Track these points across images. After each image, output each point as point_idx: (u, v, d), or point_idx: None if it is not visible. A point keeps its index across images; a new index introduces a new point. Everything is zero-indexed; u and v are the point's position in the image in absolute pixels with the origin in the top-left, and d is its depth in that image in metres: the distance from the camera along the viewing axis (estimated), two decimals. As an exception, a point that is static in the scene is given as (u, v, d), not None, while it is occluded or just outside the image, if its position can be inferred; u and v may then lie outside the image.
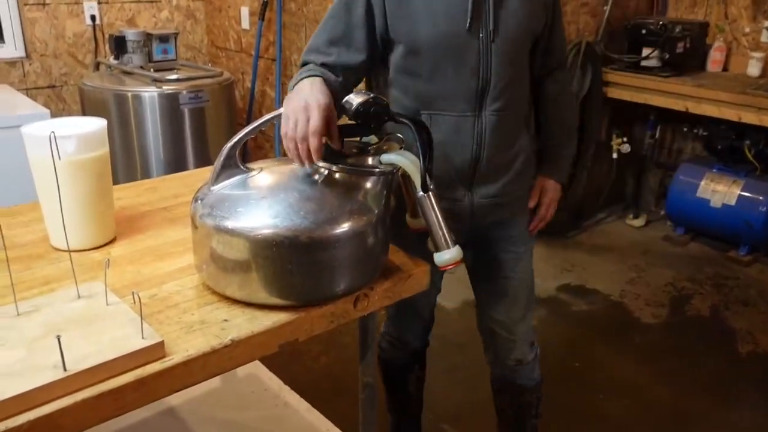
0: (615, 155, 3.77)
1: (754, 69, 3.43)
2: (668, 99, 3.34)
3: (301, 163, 1.12)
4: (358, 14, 1.34)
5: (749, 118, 3.05)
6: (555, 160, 1.63)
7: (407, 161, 1.15)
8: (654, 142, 3.84)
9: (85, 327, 0.95)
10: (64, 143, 1.17)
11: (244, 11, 3.63)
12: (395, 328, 1.77)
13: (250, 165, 1.17)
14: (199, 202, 1.11)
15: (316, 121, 1.10)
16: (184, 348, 0.94)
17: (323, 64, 1.33)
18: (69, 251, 1.15)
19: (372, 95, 1.15)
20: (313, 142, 1.09)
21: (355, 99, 1.14)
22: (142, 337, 0.92)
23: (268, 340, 1.02)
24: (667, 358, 2.56)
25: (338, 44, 1.36)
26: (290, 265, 1.05)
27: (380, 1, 1.33)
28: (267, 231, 1.03)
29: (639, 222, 3.83)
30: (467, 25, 1.30)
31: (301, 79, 1.23)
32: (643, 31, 3.44)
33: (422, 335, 1.79)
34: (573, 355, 2.56)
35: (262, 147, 3.81)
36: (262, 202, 1.07)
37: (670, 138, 3.94)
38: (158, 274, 1.18)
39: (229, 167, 1.14)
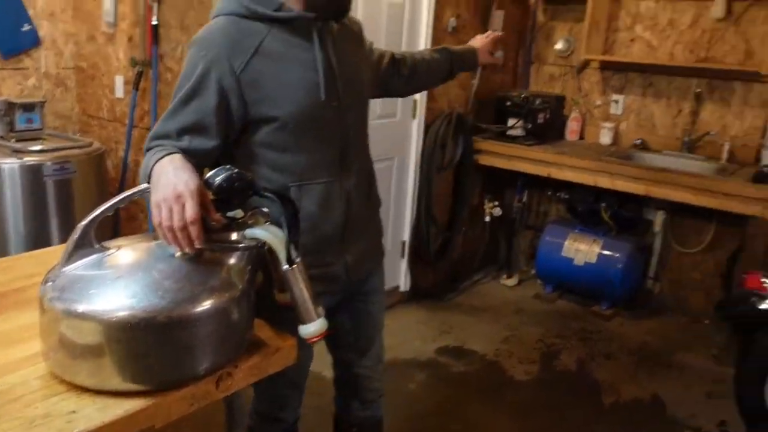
0: (488, 218, 3.97)
1: (606, 138, 3.77)
2: (533, 165, 3.59)
3: (183, 250, 1.10)
4: (210, 103, 1.30)
5: (604, 182, 3.34)
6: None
7: (272, 236, 1.17)
8: (522, 205, 4.09)
9: None
10: None
11: (119, 80, 3.55)
12: (264, 404, 1.72)
13: (107, 243, 1.14)
14: (49, 284, 1.06)
15: (191, 208, 1.08)
16: (23, 446, 0.88)
17: (182, 148, 1.29)
18: None
19: (235, 170, 1.16)
20: (193, 231, 1.09)
21: (217, 174, 1.15)
22: (-25, 437, 0.85)
23: (120, 430, 0.98)
24: (538, 414, 2.67)
25: (190, 132, 1.30)
26: (147, 347, 1.02)
27: (236, 89, 1.31)
28: (122, 313, 1.00)
29: (512, 282, 4.03)
30: (322, 97, 1.37)
31: (159, 159, 1.19)
32: (508, 103, 3.71)
33: (294, 408, 1.76)
34: (452, 417, 2.61)
35: (136, 218, 3.68)
36: (118, 282, 1.04)
37: (537, 201, 4.21)
38: (1, 363, 1.10)
39: (84, 246, 1.10)
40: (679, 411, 2.72)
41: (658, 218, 3.60)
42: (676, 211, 3.57)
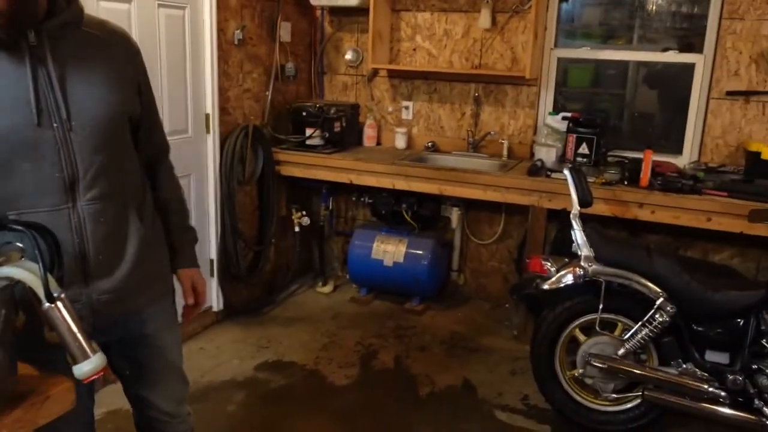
0: (297, 228, 3.97)
1: (400, 142, 3.96)
2: (334, 173, 3.66)
3: None
4: None
5: (401, 185, 3.50)
6: (184, 249, 1.65)
7: (25, 272, 1.05)
8: (330, 212, 4.15)
9: None
10: None
11: None
12: None
13: None
14: None
15: None
16: None
17: None
18: None
19: None
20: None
21: None
22: None
23: None
24: (360, 416, 2.72)
25: None
26: None
27: None
28: None
29: (328, 288, 4.07)
30: (35, 117, 1.23)
31: None
32: (304, 113, 3.74)
33: None
34: (274, 433, 2.57)
35: None
36: None
37: (344, 207, 4.31)
38: None
39: None
40: (488, 391, 2.93)
41: (455, 215, 3.85)
42: (470, 206, 3.85)
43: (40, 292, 1.06)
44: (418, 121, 4.02)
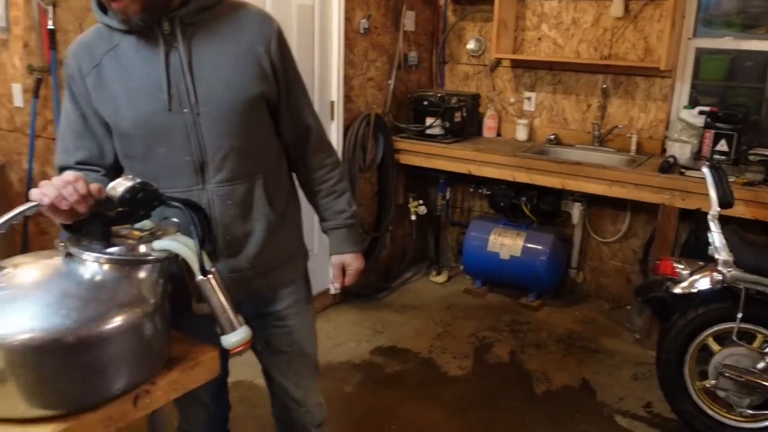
0: (413, 217, 3.99)
1: (521, 134, 3.87)
2: (453, 163, 3.64)
3: (79, 209, 1.07)
4: (73, 112, 1.36)
5: (521, 177, 3.42)
6: (332, 234, 1.62)
7: (182, 246, 1.12)
8: (446, 202, 4.14)
9: None
10: None
11: (16, 88, 3.35)
12: (188, 422, 1.66)
13: (3, 262, 1.06)
14: (-61, 310, 0.98)
15: (66, 175, 1.08)
16: None
17: (78, 163, 1.33)
18: None
19: (138, 181, 1.11)
20: (79, 186, 1.07)
21: (120, 185, 1.10)
22: None
23: (28, 460, 0.91)
24: (474, 407, 2.70)
25: (83, 137, 1.37)
26: (54, 370, 0.96)
27: (84, 94, 1.34)
28: (22, 336, 0.94)
29: (442, 278, 4.07)
30: (167, 103, 1.30)
31: None
32: (425, 103, 3.75)
33: (220, 425, 1.69)
34: (389, 417, 2.60)
35: (47, 232, 3.49)
36: (16, 304, 0.98)
37: (460, 198, 4.28)
38: None
39: (-24, 267, 1.03)
40: (608, 395, 2.81)
41: (576, 210, 3.72)
42: (593, 202, 3.70)
43: (195, 266, 1.12)
44: (540, 112, 3.92)
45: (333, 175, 1.58)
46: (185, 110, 1.31)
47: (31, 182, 3.33)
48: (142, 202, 1.10)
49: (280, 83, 1.43)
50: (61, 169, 1.33)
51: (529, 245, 3.63)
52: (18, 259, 1.10)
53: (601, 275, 3.86)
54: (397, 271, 4.07)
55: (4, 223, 1.05)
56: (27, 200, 2.99)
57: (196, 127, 1.32)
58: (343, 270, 1.64)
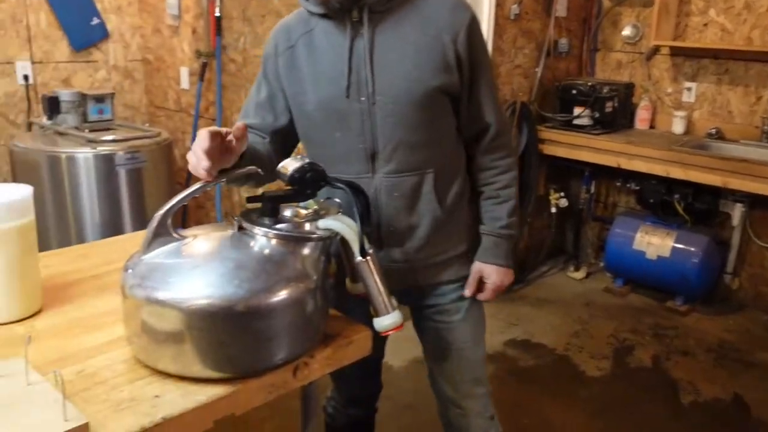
0: (554, 209, 3.87)
1: (678, 126, 3.62)
2: (601, 155, 3.48)
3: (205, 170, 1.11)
4: (264, 85, 1.44)
5: (676, 173, 3.20)
6: (483, 239, 1.52)
7: (344, 226, 1.15)
8: (590, 196, 3.97)
9: (3, 410, 0.89)
10: (-15, 213, 1.12)
11: (184, 72, 3.63)
12: (340, 395, 1.73)
13: (184, 232, 1.15)
14: (129, 271, 1.08)
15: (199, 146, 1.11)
16: (111, 429, 0.90)
17: (250, 127, 1.38)
18: (-12, 326, 1.09)
19: (307, 161, 1.15)
20: (203, 162, 1.10)
21: (290, 165, 1.14)
22: (65, 419, 0.87)
23: (202, 416, 0.98)
24: (613, 411, 2.58)
25: (264, 108, 1.45)
26: (225, 336, 1.02)
27: (275, 71, 1.41)
28: (200, 301, 1.00)
29: (580, 274, 3.92)
30: (345, 90, 1.32)
31: None
32: (574, 92, 3.60)
33: (367, 402, 1.75)
34: (523, 411, 2.56)
35: (203, 206, 3.76)
36: (195, 272, 1.05)
37: (605, 192, 4.09)
38: (85, 347, 1.12)
39: (162, 235, 1.11)
40: (765, 413, 2.58)
41: (737, 211, 3.43)
42: (756, 203, 3.39)
43: (355, 246, 1.15)
44: (701, 104, 3.63)
45: (501, 178, 1.48)
46: (362, 98, 1.32)
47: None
48: (310, 181, 1.15)
49: (464, 76, 1.36)
50: (241, 112, 1.48)
51: (680, 246, 3.40)
52: (195, 230, 1.18)
53: (761, 283, 3.54)
54: (533, 264, 3.98)
55: (188, 195, 1.13)
56: (189, 176, 3.23)
57: (371, 116, 1.33)
58: (481, 280, 1.51)
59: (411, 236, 1.42)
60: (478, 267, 1.51)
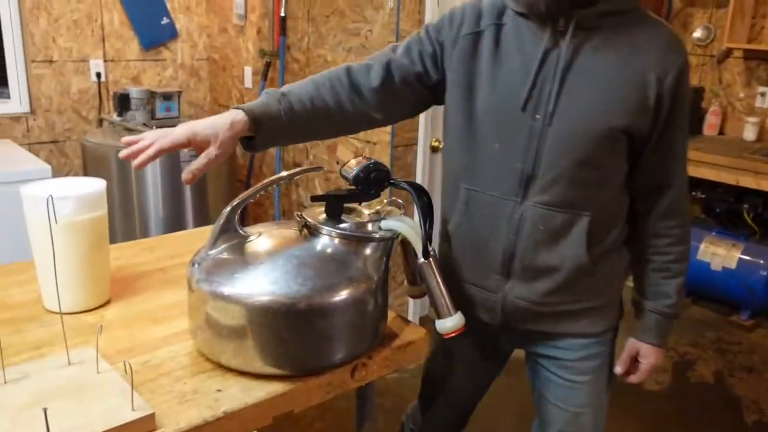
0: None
1: (750, 133, 3.48)
2: (666, 162, 3.36)
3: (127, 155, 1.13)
4: (426, 38, 1.28)
5: (747, 182, 3.08)
6: (642, 316, 1.35)
7: (407, 227, 1.15)
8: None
9: (74, 396, 0.92)
10: (62, 204, 1.16)
11: (248, 71, 3.70)
12: (421, 417, 1.61)
13: (249, 229, 1.16)
14: (196, 266, 1.10)
15: (169, 140, 1.13)
16: (175, 420, 0.91)
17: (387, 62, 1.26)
18: (61, 314, 1.13)
19: (372, 161, 1.15)
20: (150, 151, 1.12)
21: (356, 164, 1.15)
22: (132, 409, 0.89)
23: (262, 412, 0.99)
24: (672, 426, 2.50)
25: (408, 50, 1.28)
26: (287, 333, 1.03)
27: (444, 43, 1.25)
28: (264, 298, 1.01)
29: (639, 284, 3.80)
30: (522, 102, 1.17)
31: (263, 100, 1.21)
32: (640, 96, 3.49)
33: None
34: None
35: (262, 204, 3.82)
36: (260, 268, 1.06)
37: (668, 200, 3.95)
38: (152, 339, 1.15)
39: (228, 231, 1.13)
40: (833, 436, 2.46)
41: (811, 222, 3.27)
42: (833, 215, 3.23)
43: (418, 248, 1.15)
44: (776, 110, 3.48)
45: (674, 250, 1.29)
46: (537, 116, 1.17)
47: (253, 158, 3.66)
48: (374, 181, 1.14)
49: (657, 123, 1.18)
50: (389, 49, 1.30)
51: (748, 258, 3.26)
52: (259, 227, 1.19)
53: (836, 300, 3.36)
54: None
55: (254, 192, 1.14)
56: (249, 173, 3.27)
57: (540, 137, 1.17)
58: (635, 359, 1.37)
59: (545, 276, 1.26)
60: (634, 345, 1.36)
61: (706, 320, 3.41)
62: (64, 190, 1.20)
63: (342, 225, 1.14)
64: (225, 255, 1.10)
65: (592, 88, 1.15)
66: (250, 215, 3.82)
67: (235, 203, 1.14)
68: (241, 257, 1.10)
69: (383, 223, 1.15)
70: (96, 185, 1.25)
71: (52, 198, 1.07)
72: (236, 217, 1.14)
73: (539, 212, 1.21)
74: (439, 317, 1.16)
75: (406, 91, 1.29)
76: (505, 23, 1.22)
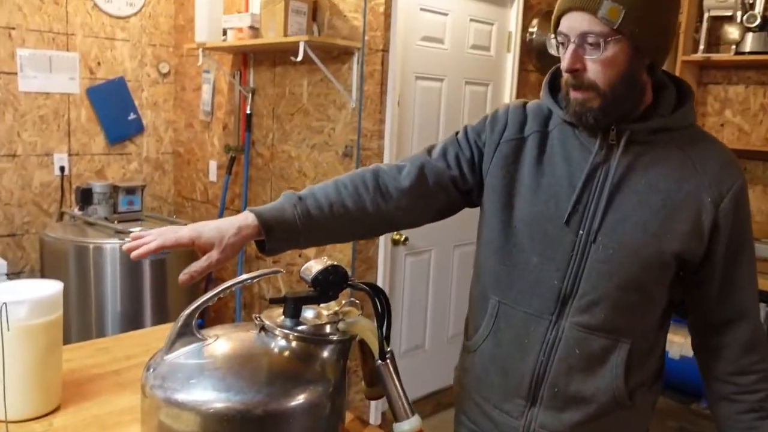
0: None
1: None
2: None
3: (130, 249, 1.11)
4: (463, 141, 1.24)
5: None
6: None
7: (365, 329, 1.15)
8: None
9: None
10: (16, 309, 1.14)
11: (212, 164, 3.75)
12: None
13: (206, 332, 1.16)
14: (151, 371, 1.08)
15: (163, 237, 1.11)
16: None
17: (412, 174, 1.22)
18: (6, 422, 1.09)
19: (331, 264, 1.17)
20: (152, 245, 1.10)
21: (314, 267, 1.16)
22: None
23: None
24: None
25: (443, 152, 1.25)
26: (242, 439, 1.00)
27: (485, 148, 1.21)
28: (219, 405, 1.00)
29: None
30: (566, 215, 1.11)
31: (289, 201, 1.18)
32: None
33: None
34: None
35: (222, 297, 3.76)
36: (215, 374, 1.05)
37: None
38: (100, 449, 1.11)
39: (185, 335, 1.12)
40: None
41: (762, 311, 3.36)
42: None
43: (375, 349, 1.15)
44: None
45: (765, 387, 1.16)
46: (581, 231, 1.10)
47: (215, 247, 3.66)
48: (332, 284, 1.16)
49: (715, 248, 1.11)
50: (424, 151, 1.26)
51: (705, 346, 3.31)
52: (218, 330, 1.19)
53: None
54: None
55: (213, 296, 1.14)
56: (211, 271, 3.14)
57: (583, 254, 1.10)
58: None
59: (576, 407, 1.15)
60: None
61: (667, 409, 3.41)
62: (19, 293, 1.19)
63: (300, 327, 1.14)
64: (181, 360, 1.09)
65: (642, 209, 1.08)
66: (210, 308, 3.76)
67: (193, 307, 1.13)
68: (197, 362, 1.08)
69: (341, 325, 1.16)
70: (52, 288, 1.24)
71: (6, 306, 1.05)
72: (194, 321, 1.14)
73: (577, 335, 1.12)
74: (396, 420, 1.15)
75: (440, 195, 1.24)
76: (551, 130, 1.17)
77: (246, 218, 1.14)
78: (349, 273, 1.20)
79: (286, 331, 1.12)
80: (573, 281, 1.11)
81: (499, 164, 1.18)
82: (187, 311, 1.12)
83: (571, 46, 1.05)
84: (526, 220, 1.15)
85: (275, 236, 1.16)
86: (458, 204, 1.28)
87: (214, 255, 1.13)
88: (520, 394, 1.18)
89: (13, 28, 3.35)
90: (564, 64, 1.08)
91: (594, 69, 1.05)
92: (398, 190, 1.21)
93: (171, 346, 1.11)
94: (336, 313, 1.20)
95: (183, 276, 1.13)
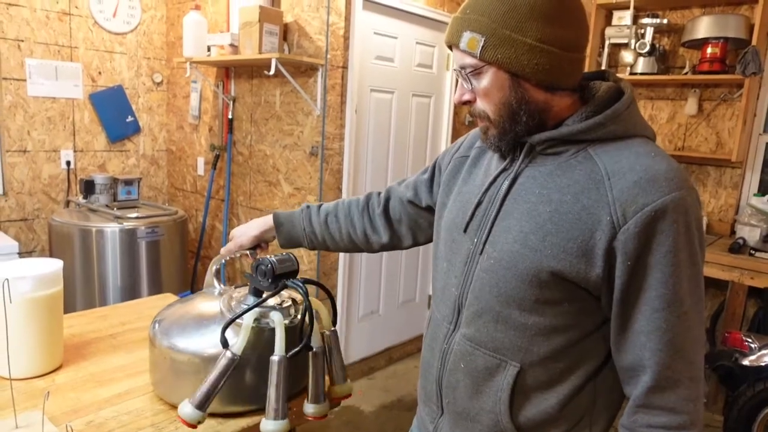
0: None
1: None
2: None
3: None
4: (437, 174, 1.13)
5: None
6: None
7: (276, 322, 1.03)
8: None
9: (19, 458, 0.86)
10: (21, 284, 1.11)
11: (200, 161, 3.69)
12: None
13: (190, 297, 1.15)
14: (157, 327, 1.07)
15: (229, 245, 1.24)
16: (111, 474, 0.87)
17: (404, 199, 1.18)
18: (11, 380, 1.06)
19: (276, 259, 1.07)
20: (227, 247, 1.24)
21: (265, 261, 1.06)
22: (72, 467, 0.84)
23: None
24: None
25: (413, 184, 1.17)
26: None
27: (442, 167, 1.10)
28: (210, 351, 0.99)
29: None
30: (466, 222, 0.93)
31: (301, 213, 1.25)
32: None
33: None
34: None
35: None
36: (201, 330, 1.04)
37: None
38: (97, 400, 1.10)
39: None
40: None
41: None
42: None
43: (277, 344, 0.99)
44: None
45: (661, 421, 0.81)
46: (475, 239, 0.91)
47: (203, 233, 3.60)
48: (280, 275, 1.05)
49: (611, 276, 0.80)
50: (396, 183, 1.22)
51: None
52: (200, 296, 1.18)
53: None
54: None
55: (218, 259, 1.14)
56: (199, 247, 3.20)
57: (473, 262, 0.91)
58: None
59: (464, 424, 0.94)
60: None
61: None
62: (25, 270, 1.16)
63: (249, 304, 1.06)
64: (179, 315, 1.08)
65: (529, 220, 0.85)
66: (198, 282, 3.71)
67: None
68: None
69: (272, 314, 1.04)
70: (53, 265, 1.21)
71: (8, 282, 1.02)
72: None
73: (464, 348, 0.92)
74: (266, 417, 0.96)
75: (411, 215, 1.17)
76: (483, 147, 1.01)
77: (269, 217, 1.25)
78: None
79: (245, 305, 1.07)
80: (464, 290, 0.92)
81: (445, 179, 1.05)
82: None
83: (460, 80, 0.90)
84: (445, 227, 0.99)
85: (282, 231, 1.23)
86: (432, 223, 1.16)
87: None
88: (433, 400, 0.99)
89: (22, 41, 3.21)
90: (454, 98, 0.99)
91: (479, 99, 0.88)
92: (376, 215, 1.20)
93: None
94: (282, 303, 1.10)
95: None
